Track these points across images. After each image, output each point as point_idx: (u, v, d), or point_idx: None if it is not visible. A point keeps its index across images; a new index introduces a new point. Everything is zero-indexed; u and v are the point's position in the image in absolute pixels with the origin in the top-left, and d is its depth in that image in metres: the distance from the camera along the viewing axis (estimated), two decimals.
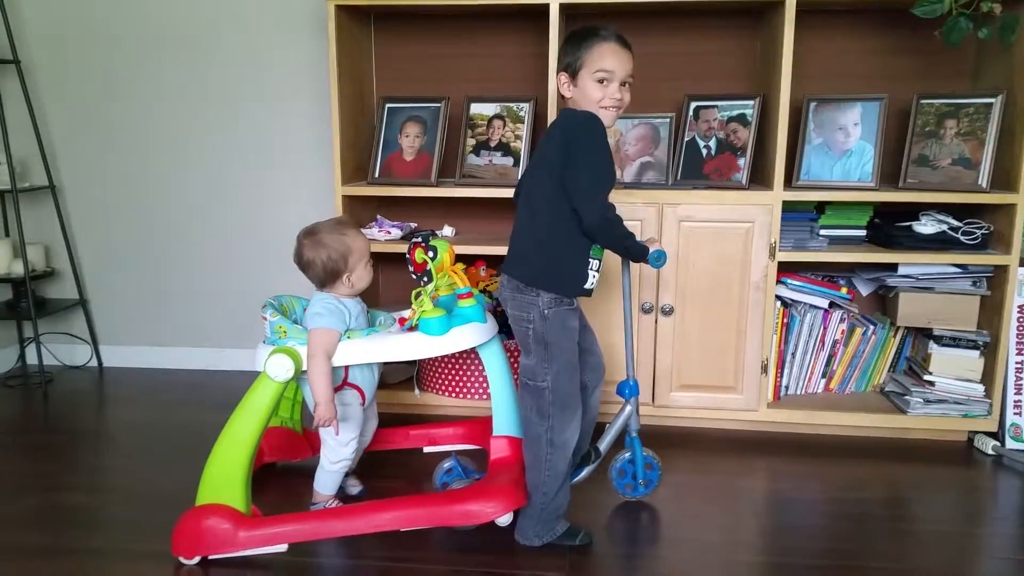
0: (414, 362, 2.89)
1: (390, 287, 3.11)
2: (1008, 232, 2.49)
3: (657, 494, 2.28)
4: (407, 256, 2.03)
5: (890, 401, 2.72)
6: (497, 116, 2.79)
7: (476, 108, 2.81)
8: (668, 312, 2.64)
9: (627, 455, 2.23)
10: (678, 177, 2.72)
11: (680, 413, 2.70)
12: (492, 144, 2.77)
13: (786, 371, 2.76)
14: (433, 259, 2.01)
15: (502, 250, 2.59)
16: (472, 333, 2.03)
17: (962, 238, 2.55)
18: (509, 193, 2.66)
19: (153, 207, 3.33)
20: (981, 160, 2.53)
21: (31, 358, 3.41)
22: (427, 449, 2.52)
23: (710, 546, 2.06)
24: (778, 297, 2.67)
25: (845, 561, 1.97)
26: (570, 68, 1.90)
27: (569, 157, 1.84)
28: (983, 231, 2.55)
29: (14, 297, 3.30)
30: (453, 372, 2.77)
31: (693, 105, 2.76)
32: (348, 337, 2.01)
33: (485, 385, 2.74)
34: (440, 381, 2.81)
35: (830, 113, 2.66)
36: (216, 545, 1.91)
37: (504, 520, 1.95)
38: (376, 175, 2.80)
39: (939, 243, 2.56)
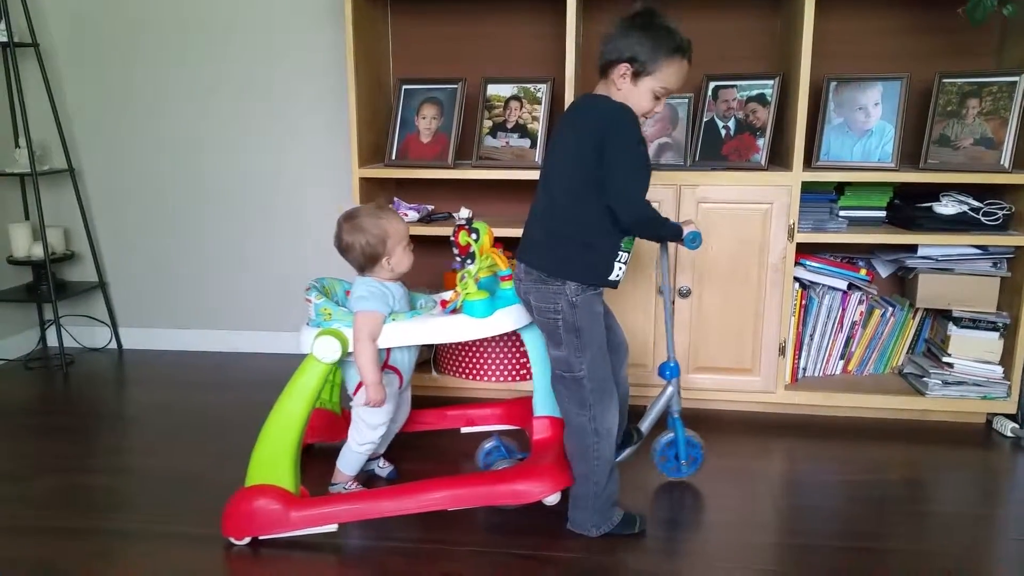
0: (431, 344, 2.90)
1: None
2: None
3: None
4: (451, 239, 2.04)
5: (909, 383, 2.71)
6: (514, 97, 2.77)
7: (493, 89, 2.80)
8: (685, 294, 2.63)
9: (669, 436, 2.24)
10: (696, 158, 2.71)
11: (698, 395, 2.70)
12: (509, 126, 2.76)
13: (804, 353, 2.75)
14: (476, 241, 2.01)
15: (520, 232, 2.60)
16: (515, 315, 2.03)
17: (983, 219, 2.53)
18: (526, 175, 2.69)
19: (172, 190, 3.35)
20: (1004, 140, 2.50)
21: (51, 340, 3.45)
22: (464, 429, 2.53)
23: (727, 527, 2.06)
24: (796, 279, 2.67)
25: (863, 543, 1.97)
26: (637, 65, 1.80)
27: (605, 152, 1.77)
28: (1004, 212, 2.52)
29: (34, 280, 3.33)
30: (469, 354, 2.78)
31: (712, 85, 2.74)
32: (392, 320, 2.01)
33: (501, 367, 2.76)
34: (456, 363, 2.82)
35: (850, 93, 2.63)
36: (267, 526, 1.93)
37: (552, 499, 1.98)
38: (393, 157, 2.80)
39: (960, 224, 2.54)
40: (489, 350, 2.76)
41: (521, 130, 2.75)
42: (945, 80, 2.61)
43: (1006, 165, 2.48)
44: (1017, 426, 2.56)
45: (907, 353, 2.79)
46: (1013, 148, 2.49)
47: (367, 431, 2.12)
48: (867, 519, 2.09)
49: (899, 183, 2.63)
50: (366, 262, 2.07)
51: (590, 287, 1.87)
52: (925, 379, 2.62)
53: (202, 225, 3.36)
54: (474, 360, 2.78)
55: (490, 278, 2.08)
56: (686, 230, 1.96)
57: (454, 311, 2.04)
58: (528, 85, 2.77)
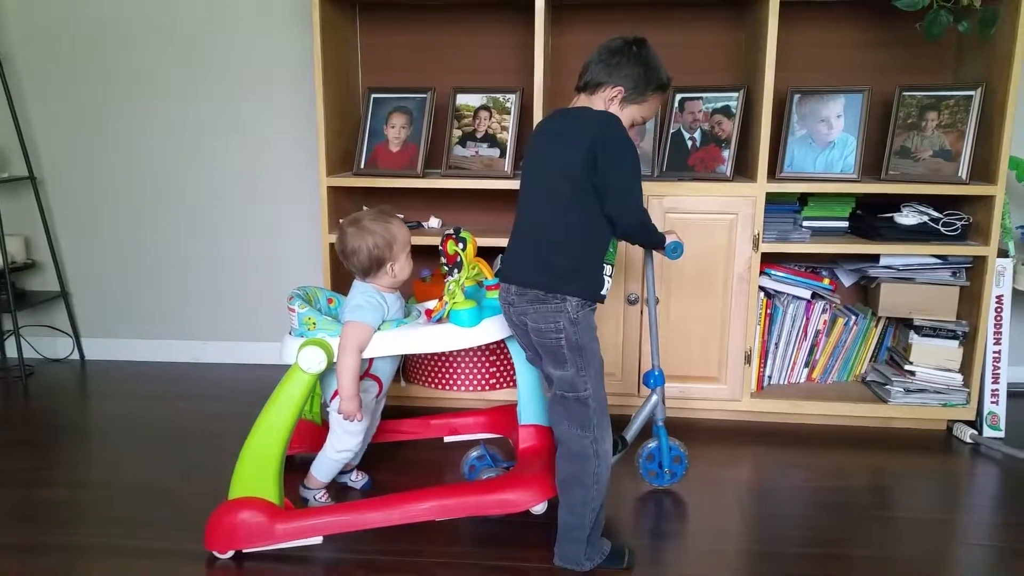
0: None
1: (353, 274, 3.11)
2: (987, 223, 2.53)
3: (640, 485, 2.30)
4: (440, 248, 2.02)
5: (871, 391, 2.76)
6: (483, 107, 2.78)
7: (462, 99, 2.81)
8: (634, 302, 2.64)
9: (653, 444, 2.25)
10: (663, 169, 2.73)
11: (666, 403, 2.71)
12: (479, 135, 2.77)
13: (769, 361, 2.79)
14: (463, 250, 1.99)
15: (490, 241, 2.61)
16: (502, 324, 2.01)
17: (942, 229, 2.58)
18: (496, 184, 2.69)
19: (136, 199, 3.30)
20: (961, 152, 2.56)
21: (11, 351, 3.37)
22: (448, 439, 2.52)
23: (695, 535, 2.08)
24: (761, 288, 2.70)
25: (828, 549, 2.00)
26: (630, 94, 1.84)
27: (602, 160, 1.76)
28: (963, 222, 2.58)
29: None
30: (438, 363, 2.78)
31: (678, 97, 2.77)
32: (379, 329, 1.99)
33: (470, 377, 2.76)
34: (425, 372, 2.81)
35: (813, 105, 2.68)
36: (252, 538, 1.91)
37: (539, 508, 1.97)
38: (362, 166, 2.79)
39: (920, 234, 2.60)
40: (458, 359, 2.76)
41: (491, 140, 2.76)
42: (905, 93, 2.67)
43: (963, 177, 2.54)
44: (976, 432, 2.61)
45: (870, 361, 2.84)
46: (970, 160, 2.55)
47: (346, 438, 2.10)
48: (832, 525, 2.12)
49: (861, 194, 2.68)
50: (371, 267, 2.03)
51: (587, 303, 1.83)
52: (887, 387, 2.67)
53: (167, 234, 3.31)
54: (443, 369, 2.78)
55: (474, 287, 2.08)
56: (668, 239, 1.98)
57: (440, 320, 2.02)
58: (497, 95, 2.78)
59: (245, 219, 3.27)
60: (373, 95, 2.84)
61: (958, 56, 2.76)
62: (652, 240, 1.96)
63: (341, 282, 2.82)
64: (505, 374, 2.77)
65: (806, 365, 2.83)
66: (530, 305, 1.83)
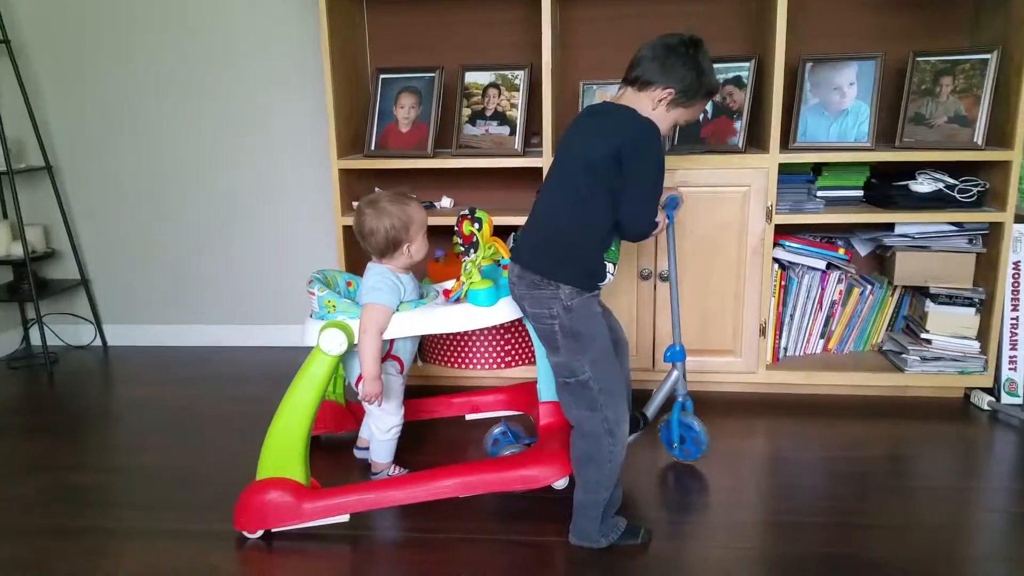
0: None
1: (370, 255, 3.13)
2: (1004, 189, 2.50)
3: (659, 456, 2.32)
4: (455, 228, 2.04)
5: (888, 360, 2.75)
6: (492, 85, 2.77)
7: (471, 77, 2.80)
8: (666, 278, 2.65)
9: (673, 417, 2.28)
10: (675, 142, 2.72)
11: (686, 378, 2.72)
12: (488, 113, 2.76)
13: (784, 333, 2.79)
14: (479, 230, 2.01)
15: (503, 220, 2.61)
16: None
17: (958, 196, 2.56)
18: (507, 163, 2.69)
19: (151, 186, 3.33)
20: (977, 117, 2.53)
21: (35, 339, 3.43)
22: (469, 417, 2.55)
23: (713, 507, 2.10)
24: (776, 260, 2.69)
25: (846, 518, 2.01)
26: (680, 98, 1.82)
27: (628, 167, 1.76)
28: (979, 188, 2.55)
29: (15, 279, 3.31)
30: (454, 342, 2.79)
31: None
32: (398, 310, 2.02)
33: (486, 355, 2.77)
34: (441, 351, 2.83)
35: (826, 73, 2.65)
36: (280, 518, 1.95)
37: (561, 483, 2.02)
38: (372, 147, 2.80)
39: (936, 202, 2.57)
40: (473, 338, 2.77)
41: (500, 118, 2.75)
42: (919, 59, 2.63)
43: (979, 142, 2.51)
44: (994, 399, 2.61)
45: (886, 330, 2.83)
46: (986, 125, 2.52)
47: (386, 416, 2.14)
48: (849, 495, 2.13)
49: (875, 162, 2.66)
50: (387, 248, 2.05)
51: (583, 291, 1.83)
52: (904, 356, 2.66)
53: (183, 220, 3.35)
54: (459, 349, 2.79)
55: (491, 266, 2.09)
56: (664, 195, 1.98)
57: (458, 300, 2.04)
58: (506, 72, 2.77)
59: (259, 203, 3.29)
60: (381, 75, 2.84)
61: (975, 18, 2.71)
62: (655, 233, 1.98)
63: (356, 264, 2.84)
64: (520, 352, 2.79)
65: (822, 336, 2.82)
66: (527, 289, 1.85)
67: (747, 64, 2.66)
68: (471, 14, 2.92)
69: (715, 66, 2.66)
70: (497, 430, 2.29)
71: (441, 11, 2.93)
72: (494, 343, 2.77)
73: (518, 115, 2.73)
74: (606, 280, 1.89)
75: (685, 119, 1.90)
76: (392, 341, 2.10)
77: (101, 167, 3.33)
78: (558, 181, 1.88)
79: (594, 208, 1.80)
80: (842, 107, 2.62)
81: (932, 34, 2.74)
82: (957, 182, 2.56)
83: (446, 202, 2.89)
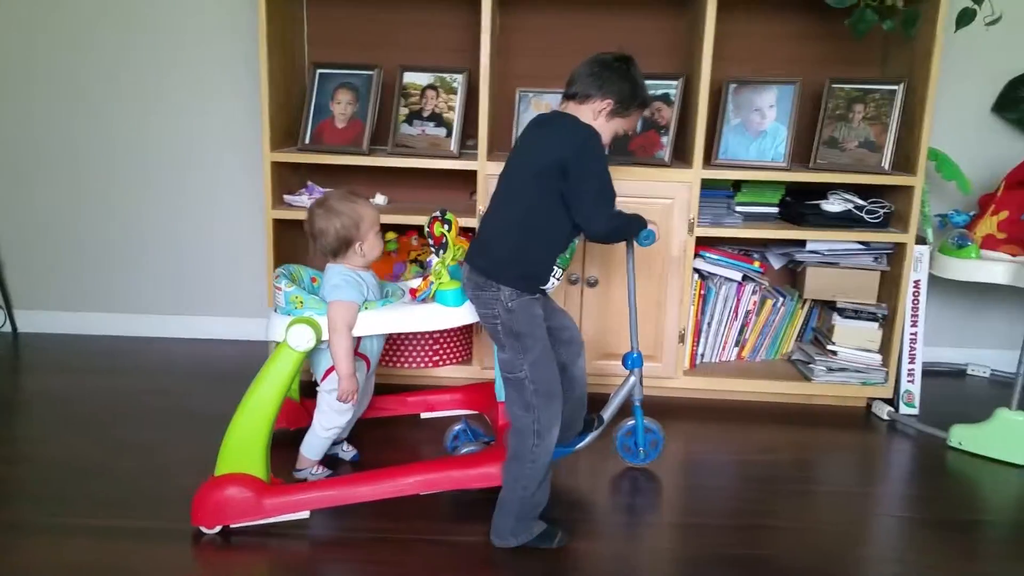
0: None
1: (320, 256, 3.10)
2: (907, 212, 2.67)
3: (578, 457, 2.37)
4: (426, 230, 2.06)
5: (797, 369, 2.90)
6: (430, 86, 2.81)
7: (409, 77, 2.82)
8: (593, 284, 2.73)
9: (630, 423, 2.33)
10: (606, 152, 2.79)
11: (605, 380, 2.77)
12: (425, 114, 2.79)
13: (702, 340, 2.90)
14: (448, 231, 2.04)
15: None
16: None
17: (865, 216, 2.72)
18: (442, 164, 2.72)
19: (75, 168, 3.22)
20: (885, 144, 2.69)
21: None
22: (424, 415, 2.56)
23: (625, 507, 2.17)
24: (696, 270, 2.80)
25: (753, 520, 2.11)
26: (619, 108, 1.93)
27: (572, 172, 1.83)
28: (885, 211, 2.72)
29: None
30: (394, 343, 2.80)
31: None
32: (365, 308, 2.02)
33: (414, 354, 2.79)
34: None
35: (747, 95, 2.78)
36: (240, 514, 1.92)
37: None
38: (307, 141, 2.79)
39: (844, 221, 2.72)
40: (403, 338, 2.79)
41: (437, 119, 2.78)
42: (834, 86, 2.80)
43: (886, 167, 2.68)
44: (893, 410, 2.77)
45: (796, 341, 2.98)
46: (893, 151, 2.69)
47: (334, 416, 2.13)
48: (757, 498, 2.23)
49: (791, 181, 2.79)
50: (339, 247, 2.06)
51: (525, 293, 1.90)
52: (811, 365, 2.81)
53: (104, 206, 3.25)
54: (389, 348, 2.81)
55: (456, 267, 2.12)
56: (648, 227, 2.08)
57: (426, 300, 2.06)
58: (444, 75, 2.81)
59: (186, 193, 3.23)
60: (319, 70, 2.84)
61: (884, 51, 2.90)
62: (628, 236, 2.08)
63: (284, 257, 2.82)
64: (449, 352, 2.82)
65: (736, 344, 2.95)
66: (473, 291, 1.94)
67: (675, 83, 2.78)
68: (412, 14, 2.95)
69: (646, 83, 2.79)
70: (457, 427, 2.32)
71: (382, 9, 2.95)
72: (422, 342, 2.80)
73: (455, 118, 2.77)
74: (548, 285, 1.96)
75: (624, 129, 2.01)
76: (359, 339, 2.10)
77: (20, 146, 3.21)
78: (508, 188, 1.95)
79: (543, 215, 1.88)
80: (762, 128, 2.76)
81: (847, 64, 2.90)
82: (865, 203, 2.73)
83: (380, 200, 2.91)
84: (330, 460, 2.28)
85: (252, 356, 3.05)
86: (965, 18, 2.58)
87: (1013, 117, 3.02)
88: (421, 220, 2.68)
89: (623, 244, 2.19)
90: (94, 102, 3.16)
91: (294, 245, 2.97)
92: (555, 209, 1.87)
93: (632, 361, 2.26)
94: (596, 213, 1.89)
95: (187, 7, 3.06)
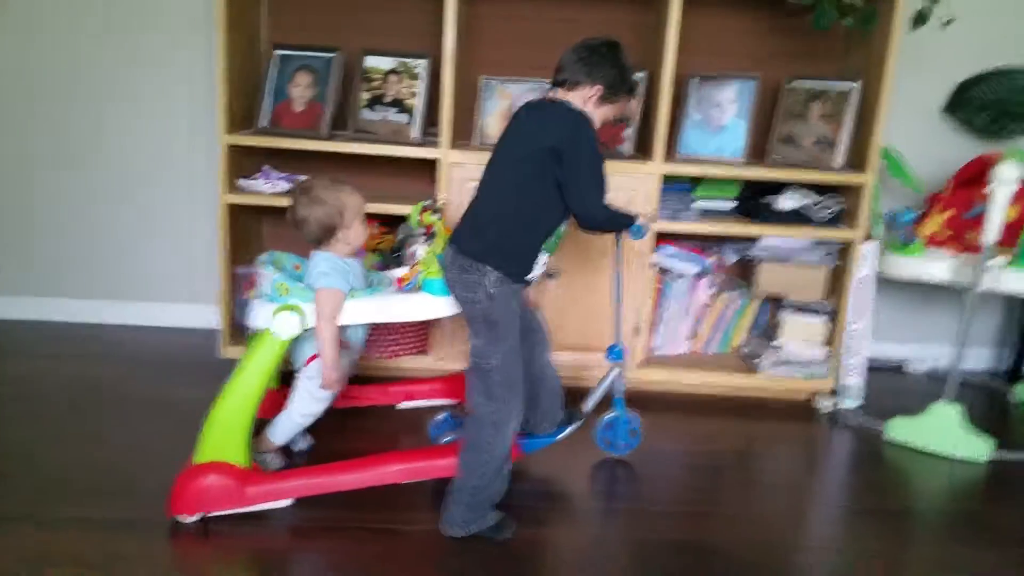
0: None
1: (274, 241, 3.06)
2: (856, 209, 2.74)
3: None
4: (416, 218, 2.05)
5: (745, 362, 2.98)
6: (393, 71, 2.77)
7: (371, 61, 2.78)
8: (554, 276, 2.75)
9: (612, 415, 2.37)
10: None
11: (560, 372, 2.83)
12: (387, 100, 2.75)
13: (657, 333, 2.96)
14: (439, 220, 2.04)
15: (395, 208, 2.64)
16: None
17: (818, 214, 2.78)
18: (403, 151, 2.70)
19: (20, 153, 3.10)
20: (839, 141, 2.74)
21: None
22: (402, 405, 2.58)
23: (576, 495, 2.23)
24: (653, 264, 2.85)
25: (699, 508, 2.19)
26: (609, 93, 1.97)
27: (567, 157, 1.86)
28: (837, 208, 2.79)
29: None
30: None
31: None
32: (352, 297, 2.01)
33: (388, 344, 2.77)
34: None
35: (708, 90, 2.81)
36: (221, 502, 1.92)
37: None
38: (264, 124, 2.74)
39: (797, 218, 2.78)
40: (382, 329, 2.76)
41: (399, 105, 2.75)
42: (793, 84, 2.83)
43: (839, 165, 2.74)
44: (834, 403, 2.87)
45: (747, 334, 3.06)
46: (846, 149, 2.74)
47: (312, 403, 2.13)
48: (703, 487, 2.32)
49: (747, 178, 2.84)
50: (322, 235, 2.05)
51: (508, 279, 1.92)
52: (759, 359, 2.89)
53: (59, 190, 3.14)
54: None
55: (440, 255, 2.12)
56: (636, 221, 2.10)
57: (413, 289, 2.07)
58: (407, 60, 2.77)
59: (143, 176, 3.13)
60: (278, 52, 2.77)
61: (845, 49, 2.93)
62: (618, 228, 2.11)
63: (235, 245, 2.79)
64: (406, 343, 2.81)
65: (691, 337, 3.02)
66: (457, 275, 1.94)
67: (639, 76, 2.78)
68: None
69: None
70: (441, 416, 2.35)
71: None
72: (380, 334, 2.79)
73: (417, 104, 2.74)
74: (533, 273, 1.99)
75: (613, 115, 2.04)
76: (344, 328, 2.10)
77: None
78: (500, 172, 1.97)
79: (534, 199, 1.91)
80: (721, 123, 2.79)
81: (809, 59, 2.93)
82: (819, 200, 2.78)
83: None
84: (284, 448, 2.27)
85: (206, 343, 3.03)
86: (921, 19, 2.64)
87: (962, 118, 3.11)
88: (380, 208, 2.68)
89: (601, 238, 2.20)
90: (42, 86, 3.04)
91: (248, 230, 2.94)
92: (547, 193, 1.90)
93: (615, 354, 2.31)
94: (590, 198, 1.92)
95: None
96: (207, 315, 3.20)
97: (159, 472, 2.07)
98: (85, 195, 3.16)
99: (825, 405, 2.87)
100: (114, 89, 3.05)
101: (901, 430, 2.65)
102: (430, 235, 2.06)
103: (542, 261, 2.00)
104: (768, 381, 2.88)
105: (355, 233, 2.08)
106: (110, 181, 3.15)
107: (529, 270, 1.97)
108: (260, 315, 1.98)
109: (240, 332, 2.87)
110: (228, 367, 2.78)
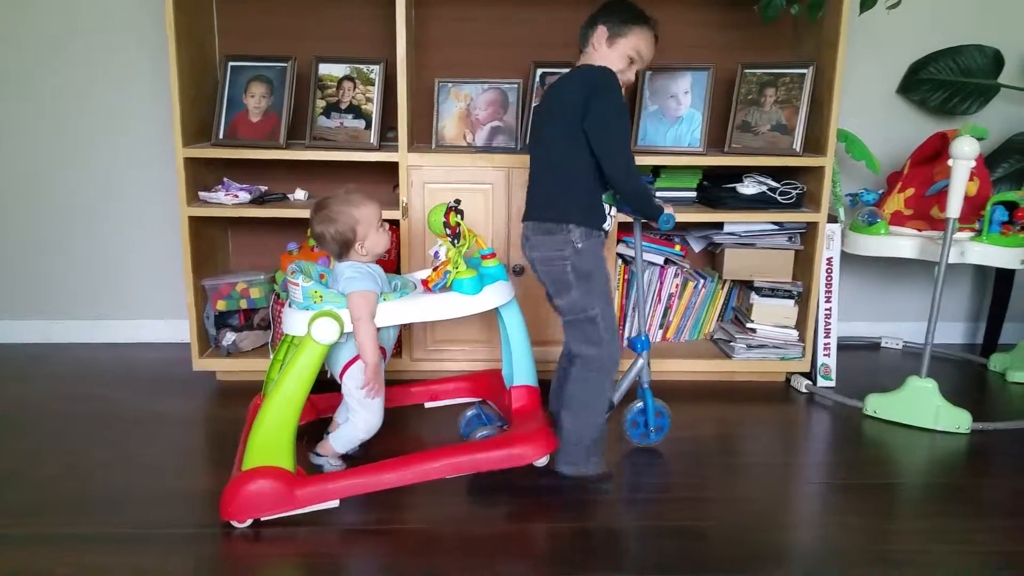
0: (271, 328, 2.86)
1: (241, 252, 3.04)
2: (818, 191, 2.76)
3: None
4: (442, 219, 2.06)
5: (719, 348, 2.97)
6: (347, 77, 2.77)
7: (325, 68, 2.78)
8: (519, 272, 2.74)
9: (639, 405, 2.38)
10: (526, 141, 2.82)
11: (539, 367, 2.81)
12: (343, 106, 2.75)
13: (627, 323, 2.95)
14: (463, 221, 2.06)
15: None
16: (501, 291, 2.13)
17: (779, 198, 2.80)
18: (363, 156, 2.69)
19: None
20: (796, 126, 2.78)
21: None
22: (428, 405, 2.59)
23: (563, 487, 2.18)
24: (619, 255, 2.84)
25: (682, 493, 2.17)
26: (613, 29, 2.06)
27: (590, 110, 1.97)
28: (798, 191, 2.81)
29: None
30: None
31: (539, 72, 2.86)
32: (384, 299, 2.04)
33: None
34: None
35: (663, 82, 2.83)
36: (273, 505, 1.94)
37: (542, 461, 2.13)
38: (221, 136, 2.72)
39: (759, 203, 2.80)
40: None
41: (355, 111, 2.75)
42: (746, 71, 2.87)
43: (798, 149, 2.76)
44: (811, 383, 2.87)
45: (717, 320, 3.05)
46: (803, 134, 2.77)
47: (370, 416, 2.13)
48: (685, 472, 2.29)
49: (707, 166, 2.86)
50: (340, 249, 2.09)
51: (593, 233, 2.06)
52: (732, 344, 2.89)
53: (11, 207, 3.11)
54: None
55: (475, 258, 2.18)
56: (665, 211, 2.14)
57: (443, 289, 2.08)
58: (361, 66, 2.77)
59: (95, 193, 3.11)
60: (231, 63, 2.77)
61: (794, 36, 2.98)
62: (645, 205, 2.12)
63: (200, 258, 2.76)
64: None
65: (661, 326, 3.01)
66: (540, 238, 2.08)
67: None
68: (325, 4, 2.90)
69: (563, 70, 2.80)
70: (470, 412, 2.37)
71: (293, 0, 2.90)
72: None
73: (374, 109, 2.74)
74: (607, 222, 2.10)
75: (634, 49, 2.09)
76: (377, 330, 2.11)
77: None
78: (544, 141, 2.10)
79: (578, 154, 2.02)
80: (678, 114, 2.81)
81: (759, 49, 2.98)
82: (779, 185, 2.81)
83: (300, 194, 2.86)
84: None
85: (173, 359, 2.99)
86: (868, 2, 2.67)
87: (916, 98, 3.16)
88: None
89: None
90: None
91: (213, 242, 2.91)
92: (587, 150, 2.01)
93: (640, 344, 2.33)
94: (615, 152, 2.00)
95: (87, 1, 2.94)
96: (173, 330, 3.18)
97: (147, 486, 2.09)
98: (44, 215, 3.13)
99: (801, 385, 2.86)
100: (65, 107, 3.03)
101: (878, 406, 2.64)
102: (456, 235, 2.06)
103: (611, 212, 2.11)
104: (743, 365, 2.88)
105: (372, 242, 2.10)
106: (67, 200, 3.12)
107: (604, 219, 2.09)
108: (296, 323, 2.00)
109: (208, 345, 2.84)
110: (202, 379, 2.79)
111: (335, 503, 2.00)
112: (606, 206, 2.10)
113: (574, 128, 2.00)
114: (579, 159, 2.02)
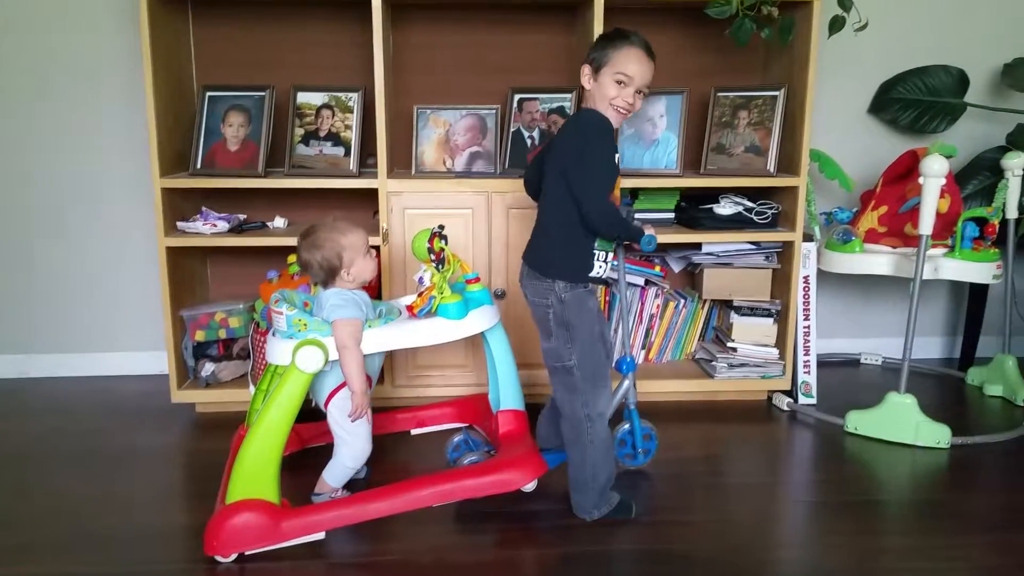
0: (251, 358, 2.84)
1: (220, 281, 3.02)
2: (793, 211, 2.80)
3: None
4: (426, 245, 2.06)
5: (700, 367, 2.99)
6: (325, 105, 2.77)
7: (303, 97, 2.79)
8: (501, 296, 2.75)
9: (626, 427, 2.38)
10: (505, 166, 2.83)
11: (537, 390, 2.78)
12: (322, 134, 2.76)
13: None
14: (447, 246, 2.07)
15: None
16: (485, 316, 2.13)
17: (755, 218, 2.84)
18: (343, 184, 2.70)
19: None
20: (769, 147, 2.82)
21: None
22: (414, 431, 2.57)
23: (546, 513, 2.18)
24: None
25: (668, 516, 2.16)
26: (595, 63, 2.03)
27: (575, 155, 1.96)
28: (773, 211, 2.85)
29: None
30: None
31: (517, 97, 2.88)
32: (369, 326, 2.03)
33: None
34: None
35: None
36: (257, 539, 1.90)
37: (530, 487, 2.15)
38: (198, 166, 2.71)
39: (736, 223, 2.83)
40: None
41: (334, 138, 2.75)
42: (719, 94, 2.91)
43: (771, 170, 2.80)
44: (792, 400, 2.89)
45: (699, 340, 3.07)
46: (776, 154, 2.81)
47: (356, 444, 2.11)
48: (670, 494, 2.29)
49: (684, 187, 2.89)
50: (326, 276, 2.09)
51: (578, 285, 2.03)
52: (713, 363, 2.90)
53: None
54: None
55: (460, 283, 2.18)
56: (646, 232, 2.13)
57: (428, 314, 2.08)
58: (339, 94, 2.78)
59: (72, 225, 3.08)
60: (208, 92, 2.76)
61: (766, 59, 3.04)
62: (621, 232, 2.07)
63: (179, 288, 2.74)
64: None
65: (643, 347, 3.03)
66: (530, 281, 2.09)
67: (569, 95, 2.83)
68: (302, 34, 2.91)
69: (541, 96, 2.84)
70: (457, 438, 2.35)
71: (271, 29, 2.90)
72: None
73: (353, 136, 2.75)
74: (594, 271, 2.06)
75: (619, 71, 1.98)
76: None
77: None
78: (545, 191, 2.09)
79: (566, 206, 1.99)
80: (654, 137, 2.85)
81: (732, 72, 3.03)
82: (755, 205, 2.84)
83: (279, 223, 2.85)
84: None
85: (151, 391, 2.95)
86: (836, 25, 2.73)
87: (887, 118, 3.22)
88: None
89: None
90: None
91: (192, 273, 2.89)
92: (572, 201, 1.98)
93: (627, 366, 2.32)
94: (590, 191, 1.95)
95: (66, 29, 2.93)
96: (153, 362, 3.14)
97: (131, 523, 2.07)
98: (20, 247, 3.10)
99: (782, 403, 2.88)
100: (42, 138, 3.01)
101: (859, 422, 2.67)
102: (440, 260, 2.06)
103: (604, 258, 2.07)
104: (724, 384, 2.89)
105: (358, 269, 2.10)
106: (44, 232, 3.09)
107: (590, 268, 2.05)
108: (280, 352, 1.98)
109: (187, 376, 2.81)
110: (181, 412, 2.76)
111: (321, 535, 1.98)
112: (601, 253, 2.07)
113: (562, 180, 1.99)
114: (565, 211, 2.00)
